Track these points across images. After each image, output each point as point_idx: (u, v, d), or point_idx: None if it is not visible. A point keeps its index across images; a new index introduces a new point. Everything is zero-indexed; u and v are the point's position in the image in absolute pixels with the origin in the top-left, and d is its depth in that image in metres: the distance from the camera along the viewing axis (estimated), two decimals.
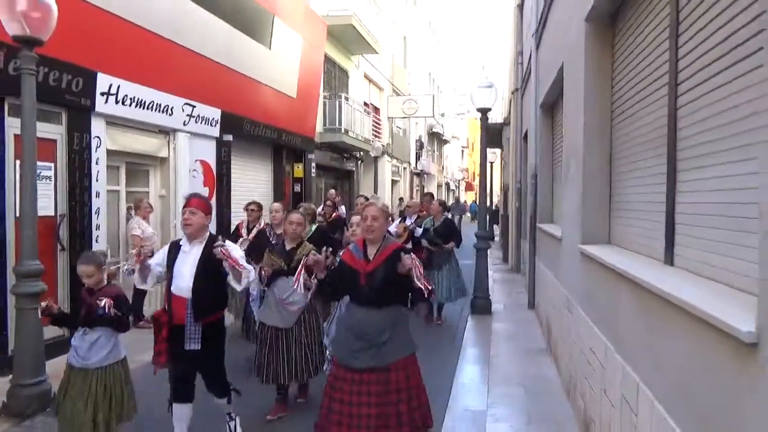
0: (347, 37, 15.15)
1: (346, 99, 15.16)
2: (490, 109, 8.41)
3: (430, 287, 3.05)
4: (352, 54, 16.86)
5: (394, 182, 23.26)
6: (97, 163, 6.55)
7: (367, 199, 7.00)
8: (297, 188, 12.85)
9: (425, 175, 29.20)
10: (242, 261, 3.57)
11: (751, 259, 1.83)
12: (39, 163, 5.59)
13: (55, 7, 4.53)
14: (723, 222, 2.14)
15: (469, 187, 51.72)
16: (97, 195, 6.58)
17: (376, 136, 18.71)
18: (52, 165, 6.00)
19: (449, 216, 9.11)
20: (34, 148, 4.60)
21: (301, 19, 12.03)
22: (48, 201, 5.91)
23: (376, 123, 19.31)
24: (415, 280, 2.99)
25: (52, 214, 6.00)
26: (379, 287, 3.15)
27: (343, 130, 14.53)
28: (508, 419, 4.37)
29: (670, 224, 2.80)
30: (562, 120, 5.87)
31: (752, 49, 1.91)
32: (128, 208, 7.50)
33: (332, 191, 12.40)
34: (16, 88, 5.01)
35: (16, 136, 5.44)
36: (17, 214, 5.42)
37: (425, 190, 28.94)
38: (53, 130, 5.99)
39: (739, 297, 1.85)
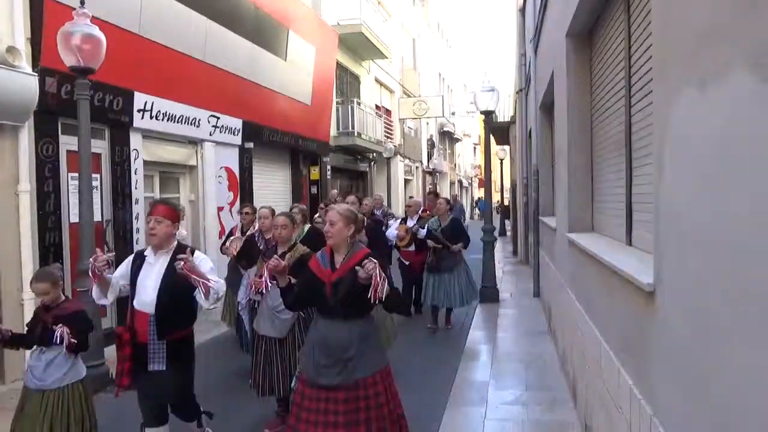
0: (358, 45, 15.80)
1: (358, 104, 15.82)
2: (492, 112, 8.99)
3: (378, 298, 2.77)
4: (363, 60, 17.51)
5: (407, 181, 23.88)
6: (135, 173, 7.28)
7: (361, 201, 6.43)
8: (314, 190, 13.54)
9: (437, 174, 29.78)
10: (212, 275, 3.22)
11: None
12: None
13: (104, 40, 5.21)
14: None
15: (482, 184, 52.09)
16: (136, 202, 7.30)
17: (388, 137, 19.34)
18: (98, 176, 6.72)
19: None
20: (90, 162, 5.30)
21: (313, 30, 12.71)
22: (95, 208, 6.62)
23: (388, 125, 19.93)
24: (370, 289, 2.73)
25: (99, 219, 6.72)
26: (344, 298, 2.90)
27: (355, 134, 15.19)
28: (508, 388, 4.98)
29: (628, 212, 3.39)
30: (554, 121, 6.45)
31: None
32: None
33: (333, 191, 11.82)
34: (68, 110, 5.76)
35: (68, 151, 6.18)
36: (71, 221, 6.18)
37: (437, 189, 29.60)
38: (98, 145, 6.71)
39: (645, 271, 2.45)
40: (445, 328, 7.27)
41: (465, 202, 42.49)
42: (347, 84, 16.40)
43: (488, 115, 9.00)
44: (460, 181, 41.38)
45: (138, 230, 7.30)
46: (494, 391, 4.88)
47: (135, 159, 7.29)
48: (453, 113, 34.41)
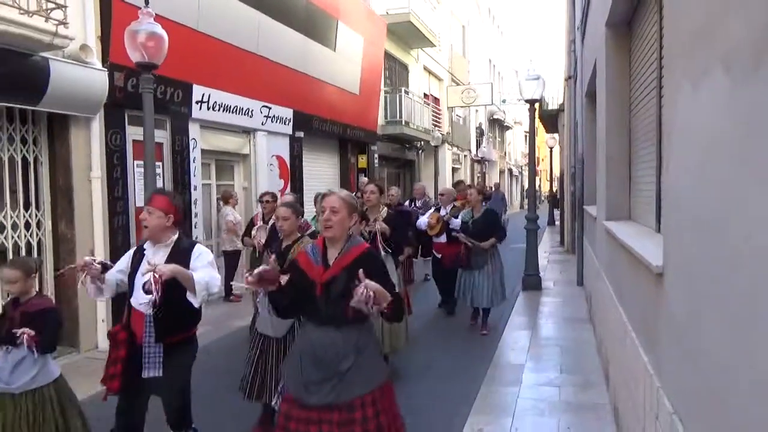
0: (406, 33, 15.95)
1: (406, 92, 16.00)
2: (538, 101, 9.00)
3: (368, 312, 2.28)
4: (411, 48, 17.64)
5: (455, 170, 23.90)
6: (194, 161, 7.77)
7: (382, 190, 5.60)
8: (362, 178, 13.86)
9: (486, 162, 29.60)
10: (207, 269, 2.98)
11: None
12: None
13: (166, 37, 5.60)
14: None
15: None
16: (195, 188, 7.80)
17: (436, 125, 19.44)
18: (160, 164, 7.22)
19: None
20: (154, 151, 5.74)
21: (362, 20, 12.95)
22: None
23: (436, 113, 20.02)
24: (355, 300, 2.22)
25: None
26: (337, 301, 2.45)
27: (403, 122, 15.39)
28: (543, 371, 5.14)
29: (658, 200, 3.49)
30: (596, 110, 6.48)
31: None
32: (218, 199, 8.72)
33: (363, 179, 11.23)
34: (133, 103, 6.24)
35: (134, 141, 6.69)
36: (136, 205, 6.71)
37: (486, 178, 29.45)
38: (160, 135, 7.21)
39: (655, 254, 2.59)
40: (479, 333, 6.51)
41: (515, 191, 41.99)
42: (396, 73, 16.59)
43: (533, 103, 9.02)
44: (510, 170, 40.86)
45: (196, 215, 7.80)
46: (529, 373, 5.05)
47: (193, 148, 7.77)
48: (504, 101, 33.99)
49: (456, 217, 6.82)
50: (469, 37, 26.64)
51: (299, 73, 10.29)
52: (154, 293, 2.65)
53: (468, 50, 26.48)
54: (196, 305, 2.93)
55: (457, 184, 9.35)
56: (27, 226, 5.71)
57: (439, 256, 7.40)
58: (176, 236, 3.09)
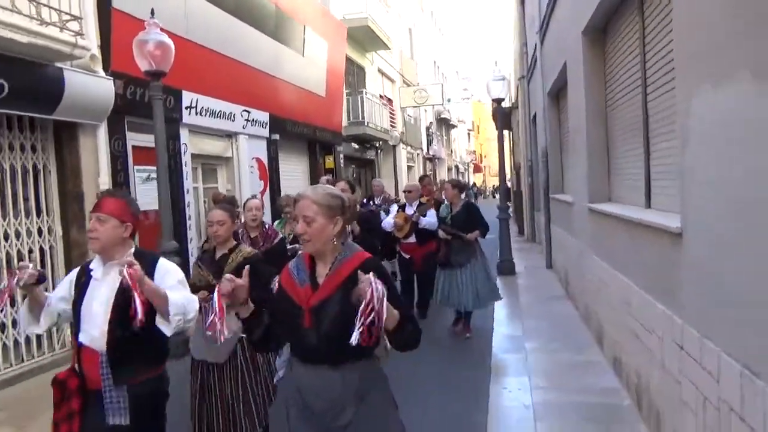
0: (363, 37, 16.45)
1: (366, 94, 16.51)
2: (503, 99, 9.72)
3: (372, 336, 1.72)
4: (367, 51, 18.16)
5: (409, 168, 24.62)
6: (185, 165, 7.98)
7: (353, 188, 5.28)
8: (330, 178, 14.25)
9: (437, 160, 30.52)
10: (178, 290, 2.39)
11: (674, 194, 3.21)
12: (147, 167, 7.08)
13: (172, 46, 5.87)
14: (669, 175, 3.51)
15: (477, 169, 52.96)
16: (187, 191, 8.01)
17: (392, 126, 20.04)
18: (155, 168, 7.39)
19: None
20: (165, 153, 6.00)
21: (326, 25, 13.35)
22: (150, 199, 7.33)
23: (391, 114, 20.62)
24: (359, 317, 1.69)
25: (157, 208, 7.41)
26: (332, 332, 1.90)
27: (365, 123, 15.89)
28: (540, 339, 5.77)
29: (647, 182, 4.15)
30: (567, 106, 7.20)
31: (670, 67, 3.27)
32: (205, 201, 8.92)
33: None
34: (133, 109, 6.49)
35: (133, 147, 6.87)
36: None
37: (437, 175, 30.37)
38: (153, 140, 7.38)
39: (672, 219, 3.22)
40: (464, 337, 6.09)
41: None
42: (354, 75, 17.06)
43: (500, 102, 9.74)
44: (457, 167, 42.13)
45: (190, 217, 8.01)
46: (529, 342, 5.67)
47: (184, 152, 7.98)
48: (449, 100, 35.10)
49: (425, 216, 6.41)
50: (415, 40, 27.44)
51: (274, 78, 10.60)
52: (137, 305, 2.09)
53: (415, 52, 27.28)
54: (169, 333, 2.33)
55: (421, 179, 8.75)
56: (39, 232, 5.82)
57: (407, 257, 6.83)
58: (132, 250, 2.45)
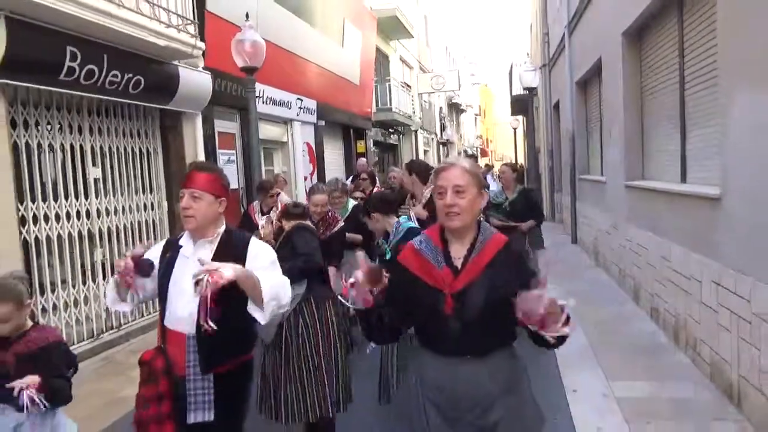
0: (389, 26, 17.27)
1: (393, 81, 17.38)
2: (535, 88, 10.61)
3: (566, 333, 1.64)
4: (391, 40, 18.97)
5: (425, 152, 25.52)
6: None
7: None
8: (361, 159, 15.18)
9: (449, 144, 31.38)
10: (269, 271, 2.25)
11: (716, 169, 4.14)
12: (226, 151, 8.02)
13: (263, 43, 6.75)
14: (708, 154, 4.45)
15: (483, 154, 53.72)
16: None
17: (413, 111, 20.91)
18: (234, 152, 8.34)
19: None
20: (258, 140, 6.91)
21: (360, 17, 14.19)
22: (234, 178, 8.27)
23: (411, 99, 21.48)
24: (547, 325, 1.60)
25: (236, 187, 8.37)
26: (479, 319, 1.76)
27: (393, 109, 16.78)
28: (579, 298, 6.73)
29: (683, 162, 5.08)
30: (601, 97, 8.12)
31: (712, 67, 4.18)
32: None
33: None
34: (219, 99, 7.46)
35: (219, 132, 7.80)
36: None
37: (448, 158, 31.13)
38: (232, 127, 8.33)
39: (710, 188, 4.15)
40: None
41: None
42: (379, 63, 17.90)
43: (531, 91, 10.63)
44: (466, 151, 42.92)
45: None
46: (573, 300, 6.63)
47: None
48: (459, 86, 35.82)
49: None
50: (430, 27, 28.15)
51: (320, 68, 11.48)
52: (205, 306, 1.95)
53: (430, 39, 28.01)
54: (263, 321, 2.18)
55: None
56: (146, 207, 6.75)
57: None
58: (223, 228, 2.30)
